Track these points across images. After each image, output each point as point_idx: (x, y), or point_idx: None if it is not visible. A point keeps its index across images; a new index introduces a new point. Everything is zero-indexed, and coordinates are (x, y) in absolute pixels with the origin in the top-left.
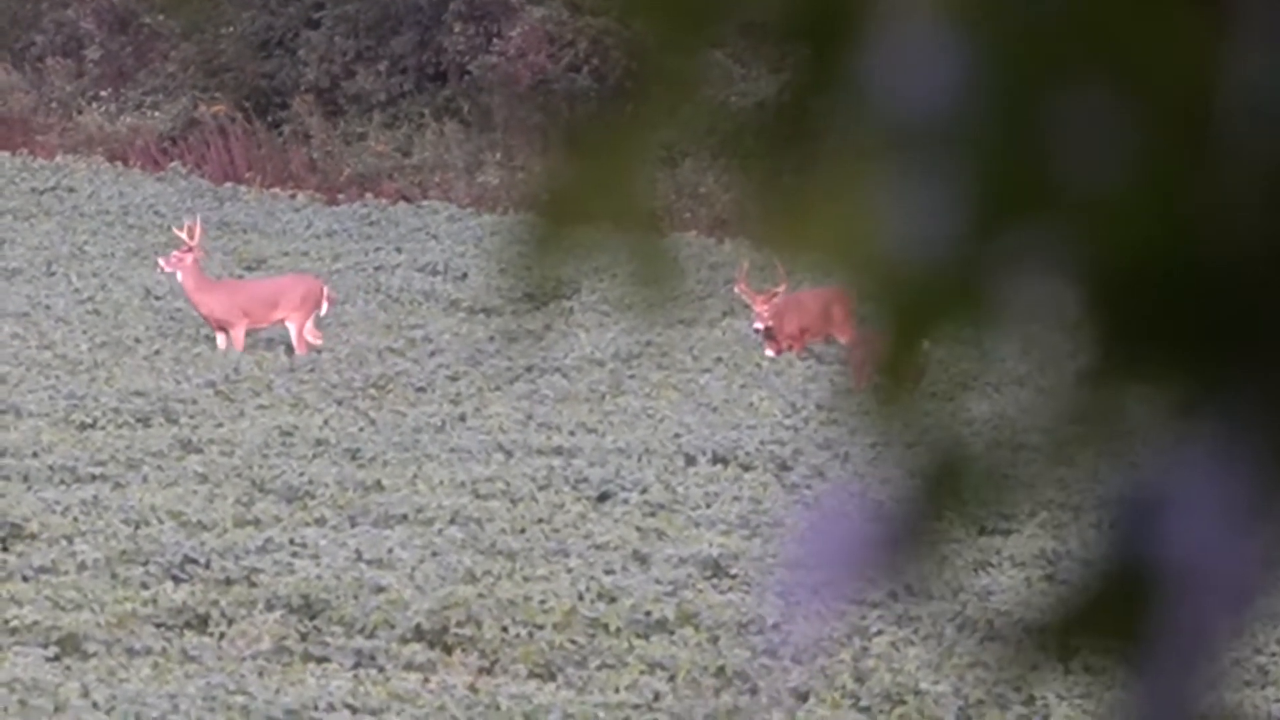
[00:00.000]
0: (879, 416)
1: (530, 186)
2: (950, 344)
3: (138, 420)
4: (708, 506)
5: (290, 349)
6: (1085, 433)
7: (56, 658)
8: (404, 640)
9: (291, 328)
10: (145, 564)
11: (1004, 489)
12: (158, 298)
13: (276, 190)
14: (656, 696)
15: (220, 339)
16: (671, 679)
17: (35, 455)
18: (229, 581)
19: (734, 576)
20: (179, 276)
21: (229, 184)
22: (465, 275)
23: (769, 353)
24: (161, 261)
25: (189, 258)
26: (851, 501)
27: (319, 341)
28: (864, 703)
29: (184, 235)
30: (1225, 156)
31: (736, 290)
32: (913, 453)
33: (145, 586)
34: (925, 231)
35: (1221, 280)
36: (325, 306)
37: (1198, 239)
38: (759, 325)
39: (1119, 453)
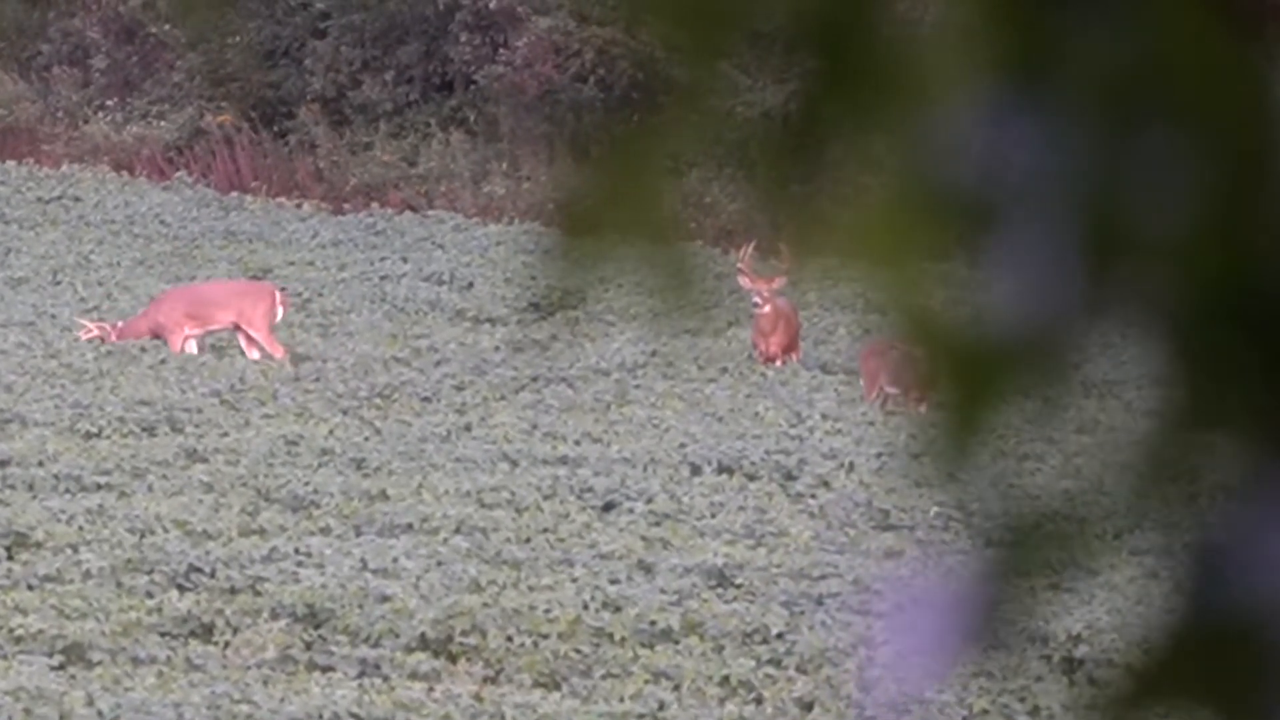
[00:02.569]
0: (943, 473)
1: (540, 197)
2: (1016, 395)
3: (143, 429)
4: (713, 516)
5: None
6: (1167, 478)
7: (61, 666)
8: (409, 649)
9: (257, 335)
10: (150, 573)
11: (1082, 543)
12: None
13: (282, 200)
14: (661, 706)
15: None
16: (676, 688)
17: (40, 464)
18: (234, 590)
19: (739, 586)
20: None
21: (235, 193)
22: (471, 285)
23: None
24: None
25: (114, 336)
26: (932, 586)
27: (280, 354)
28: (869, 712)
29: (93, 334)
30: None
31: (738, 274)
32: (984, 514)
33: (150, 595)
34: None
35: None
36: (280, 312)
37: (1274, 277)
38: (757, 301)
39: (1200, 496)
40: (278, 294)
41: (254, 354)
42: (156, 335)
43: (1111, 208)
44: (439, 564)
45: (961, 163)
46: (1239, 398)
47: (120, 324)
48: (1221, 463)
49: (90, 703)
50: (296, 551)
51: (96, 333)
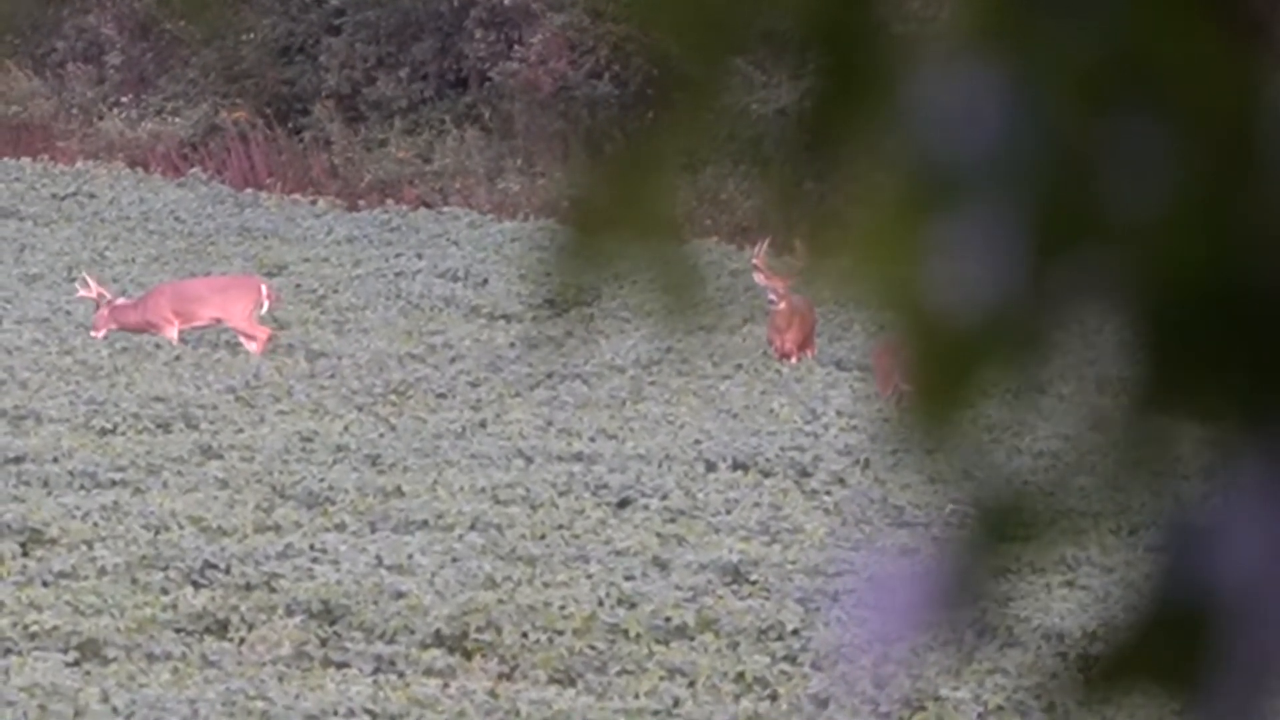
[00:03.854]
0: (926, 452)
1: (554, 194)
2: (995, 379)
3: (158, 426)
4: (728, 512)
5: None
6: (1138, 462)
7: (76, 663)
8: (424, 646)
9: (238, 328)
10: (165, 569)
11: (1060, 525)
12: None
13: (297, 196)
14: (676, 702)
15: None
16: (691, 685)
17: (56, 460)
18: (249, 587)
19: (754, 583)
20: (109, 325)
21: (249, 190)
22: (486, 281)
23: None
24: (96, 334)
25: (105, 311)
26: (906, 556)
27: (264, 336)
28: (883, 709)
29: (90, 294)
30: (1272, 183)
31: (753, 271)
32: (965, 492)
33: (165, 592)
34: (959, 262)
35: (1274, 306)
36: (265, 305)
37: (1246, 265)
38: (772, 298)
39: (1171, 481)
40: (263, 288)
41: (252, 347)
42: (143, 330)
43: (1106, 201)
44: (454, 560)
45: (962, 155)
46: (1216, 385)
47: (121, 300)
48: (1197, 450)
49: (105, 699)
50: (311, 548)
51: (93, 295)
